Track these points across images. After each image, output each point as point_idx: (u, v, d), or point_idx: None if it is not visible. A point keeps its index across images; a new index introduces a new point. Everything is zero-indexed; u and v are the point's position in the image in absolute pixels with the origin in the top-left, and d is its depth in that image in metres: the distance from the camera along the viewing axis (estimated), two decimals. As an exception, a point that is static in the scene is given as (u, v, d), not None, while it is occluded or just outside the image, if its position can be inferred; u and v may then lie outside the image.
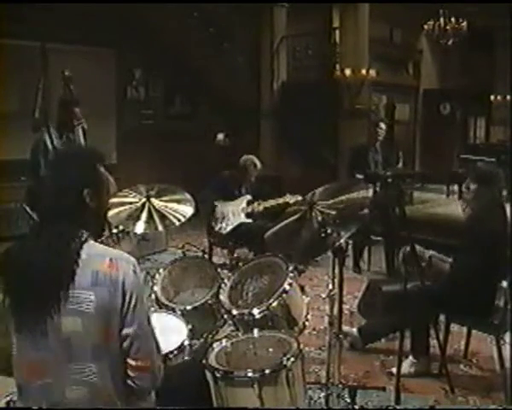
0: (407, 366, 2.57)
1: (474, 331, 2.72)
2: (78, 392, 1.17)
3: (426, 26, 7.62)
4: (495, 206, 2.47)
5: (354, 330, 2.89)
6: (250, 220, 4.11)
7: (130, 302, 1.19)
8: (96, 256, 1.20)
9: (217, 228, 4.08)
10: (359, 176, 4.23)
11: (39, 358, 1.16)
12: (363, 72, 6.28)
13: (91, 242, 1.23)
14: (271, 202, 4.11)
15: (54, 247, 1.17)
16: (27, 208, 3.05)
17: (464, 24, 7.37)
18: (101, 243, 1.32)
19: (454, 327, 2.72)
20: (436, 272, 2.53)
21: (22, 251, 1.20)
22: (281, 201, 4.07)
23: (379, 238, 4.64)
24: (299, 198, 3.70)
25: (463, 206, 2.56)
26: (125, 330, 1.19)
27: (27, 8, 5.05)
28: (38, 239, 1.20)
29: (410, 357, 2.61)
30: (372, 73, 6.38)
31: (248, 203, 4.18)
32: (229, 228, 4.05)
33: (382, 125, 4.64)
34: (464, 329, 2.78)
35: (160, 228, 2.25)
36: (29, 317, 1.15)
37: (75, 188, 1.24)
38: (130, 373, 1.22)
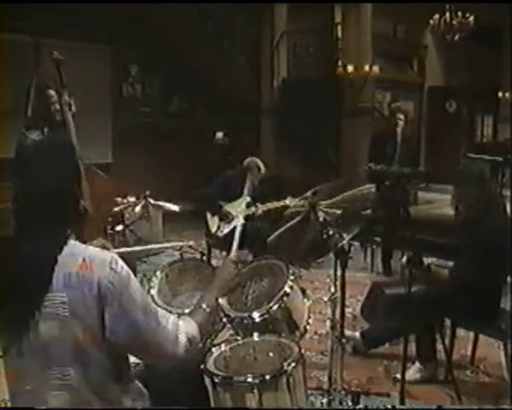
0: (413, 372, 2.57)
1: (481, 336, 2.72)
2: (60, 398, 1.16)
3: (431, 21, 7.62)
4: (486, 206, 2.45)
5: (357, 334, 2.89)
6: (249, 223, 4.12)
7: (111, 303, 1.15)
8: (68, 256, 1.16)
9: (213, 230, 4.10)
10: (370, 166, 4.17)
11: (20, 364, 1.16)
12: (366, 68, 6.30)
13: (71, 241, 1.20)
14: (270, 206, 4.12)
15: (35, 252, 1.15)
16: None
17: (471, 19, 7.37)
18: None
19: (460, 332, 2.72)
20: (435, 280, 2.53)
21: (3, 255, 1.18)
22: (280, 204, 4.08)
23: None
24: (300, 203, 3.71)
25: (453, 207, 2.55)
26: (113, 332, 1.16)
27: (22, 4, 5.06)
28: (20, 243, 1.17)
29: (417, 363, 2.61)
30: (375, 69, 6.39)
31: (247, 206, 4.19)
32: (225, 230, 4.06)
33: (401, 116, 4.54)
34: (471, 334, 2.78)
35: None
36: (8, 322, 1.15)
37: (61, 184, 1.20)
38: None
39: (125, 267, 1.20)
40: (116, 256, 1.20)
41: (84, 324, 1.14)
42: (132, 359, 1.34)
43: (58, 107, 3.19)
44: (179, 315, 2.09)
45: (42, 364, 1.15)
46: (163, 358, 1.25)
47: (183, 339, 1.27)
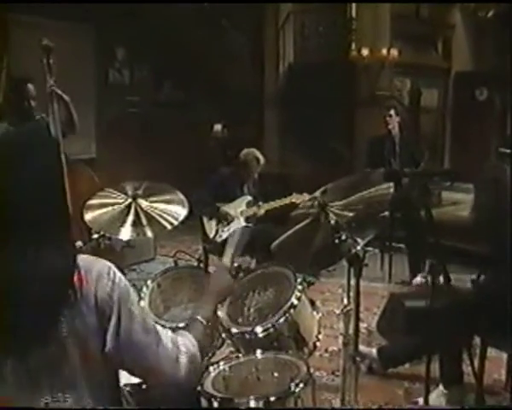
0: (436, 396, 2.57)
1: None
2: None
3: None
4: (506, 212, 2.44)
5: (374, 351, 2.90)
6: (250, 225, 4.14)
7: (110, 318, 1.17)
8: None
9: (211, 235, 4.10)
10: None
11: (10, 392, 1.16)
12: (384, 52, 6.30)
13: None
14: (274, 204, 4.12)
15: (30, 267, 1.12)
16: None
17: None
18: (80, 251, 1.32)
19: (491, 352, 2.67)
20: (461, 291, 2.53)
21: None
22: (285, 202, 4.09)
23: (401, 245, 4.66)
24: (307, 198, 3.72)
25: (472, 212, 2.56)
26: (110, 348, 1.18)
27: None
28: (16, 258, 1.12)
29: (440, 386, 2.61)
30: (394, 52, 6.39)
31: (248, 205, 4.19)
32: (224, 235, 4.07)
33: (391, 112, 4.63)
34: (505, 355, 2.76)
35: (149, 233, 2.28)
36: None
37: (47, 184, 1.18)
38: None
39: (123, 278, 1.21)
40: (113, 266, 1.21)
41: (83, 343, 1.15)
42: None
43: (34, 103, 3.24)
44: (174, 330, 2.12)
45: (32, 392, 1.15)
46: (163, 379, 1.26)
47: (183, 359, 1.28)
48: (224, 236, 4.06)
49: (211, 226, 4.16)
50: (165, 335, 1.28)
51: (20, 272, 1.10)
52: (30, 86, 3.30)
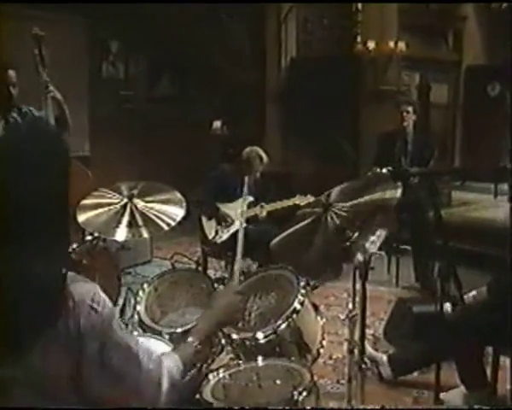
0: (457, 395, 2.55)
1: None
2: None
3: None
4: None
5: (384, 357, 2.90)
6: (251, 226, 4.15)
7: (90, 347, 1.13)
8: None
9: (210, 236, 4.12)
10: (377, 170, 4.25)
11: None
12: (391, 44, 6.31)
13: None
14: (276, 205, 4.14)
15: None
16: None
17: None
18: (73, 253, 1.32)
19: (505, 361, 2.66)
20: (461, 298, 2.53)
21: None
22: (288, 203, 4.10)
23: (409, 247, 4.67)
24: (311, 199, 3.74)
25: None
26: (90, 380, 1.15)
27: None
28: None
29: (462, 387, 2.59)
30: (401, 45, 6.39)
31: (249, 206, 4.21)
32: (224, 236, 4.08)
33: (409, 109, 4.64)
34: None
35: (145, 234, 2.28)
36: None
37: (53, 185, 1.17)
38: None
39: (107, 303, 1.18)
40: (97, 290, 1.18)
41: (56, 371, 1.12)
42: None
43: (15, 91, 3.23)
44: (171, 336, 2.12)
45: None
46: (142, 402, 1.25)
47: (165, 384, 1.27)
48: (224, 237, 4.08)
49: (210, 226, 4.18)
50: (149, 357, 1.26)
51: (12, 278, 1.09)
52: (11, 73, 3.25)
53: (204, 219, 4.20)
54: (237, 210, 4.19)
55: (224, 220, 4.15)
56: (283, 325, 1.96)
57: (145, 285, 2.43)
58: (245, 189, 4.31)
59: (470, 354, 2.60)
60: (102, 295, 1.17)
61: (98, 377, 1.16)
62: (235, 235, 4.11)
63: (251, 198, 4.25)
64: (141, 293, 2.39)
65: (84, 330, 1.12)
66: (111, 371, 1.17)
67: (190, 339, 1.44)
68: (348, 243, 1.92)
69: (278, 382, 1.68)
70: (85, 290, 1.15)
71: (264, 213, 4.16)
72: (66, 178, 1.21)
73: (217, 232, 4.13)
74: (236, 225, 4.11)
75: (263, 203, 4.18)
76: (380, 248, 4.53)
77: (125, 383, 1.21)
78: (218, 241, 4.07)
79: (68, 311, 1.11)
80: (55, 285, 1.11)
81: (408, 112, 4.61)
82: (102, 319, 1.15)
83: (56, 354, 1.11)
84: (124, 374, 1.20)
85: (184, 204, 2.38)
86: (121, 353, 1.19)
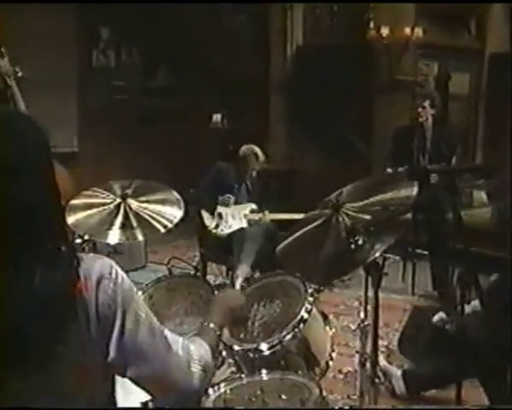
0: None
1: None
2: None
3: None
4: None
5: (398, 372, 2.91)
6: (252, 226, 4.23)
7: (113, 323, 1.18)
8: None
9: (212, 229, 4.19)
10: (389, 170, 4.28)
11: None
12: (407, 31, 6.32)
13: None
14: (281, 216, 4.22)
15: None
16: None
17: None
18: None
19: None
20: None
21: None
22: (294, 217, 4.14)
23: (425, 252, 4.68)
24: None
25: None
26: (113, 357, 1.18)
27: None
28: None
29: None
30: (418, 32, 6.40)
31: (252, 212, 4.32)
32: (226, 231, 4.16)
33: (425, 104, 4.64)
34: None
35: (140, 237, 2.30)
36: None
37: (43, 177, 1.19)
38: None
39: (126, 277, 1.23)
40: (114, 264, 1.22)
41: (82, 356, 1.16)
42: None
43: None
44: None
45: None
46: (174, 391, 1.28)
47: (196, 369, 1.29)
48: (226, 231, 4.16)
49: (211, 220, 4.26)
50: (175, 340, 1.29)
51: (14, 288, 1.10)
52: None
53: (204, 213, 4.29)
54: (240, 212, 4.28)
55: (221, 219, 4.24)
56: (289, 336, 1.97)
57: (139, 292, 2.44)
58: (243, 187, 4.42)
59: (495, 372, 2.60)
60: (121, 271, 1.22)
61: (124, 356, 1.19)
62: (235, 236, 4.17)
63: (253, 206, 4.34)
64: (135, 301, 2.40)
65: (102, 307, 1.16)
66: (136, 349, 1.20)
67: (212, 325, 1.47)
68: (359, 245, 1.93)
69: (284, 397, 1.69)
70: (102, 266, 1.20)
71: (268, 220, 4.26)
72: (48, 166, 1.23)
73: (217, 225, 4.21)
74: (238, 224, 4.20)
75: (266, 212, 4.28)
76: (394, 253, 4.56)
77: (153, 363, 1.23)
78: (219, 233, 4.18)
79: (88, 293, 1.15)
80: (61, 287, 1.13)
81: (424, 107, 4.61)
82: (122, 292, 1.19)
83: (80, 342, 1.14)
84: (150, 352, 1.22)
85: (182, 204, 2.39)
86: (145, 329, 1.22)
